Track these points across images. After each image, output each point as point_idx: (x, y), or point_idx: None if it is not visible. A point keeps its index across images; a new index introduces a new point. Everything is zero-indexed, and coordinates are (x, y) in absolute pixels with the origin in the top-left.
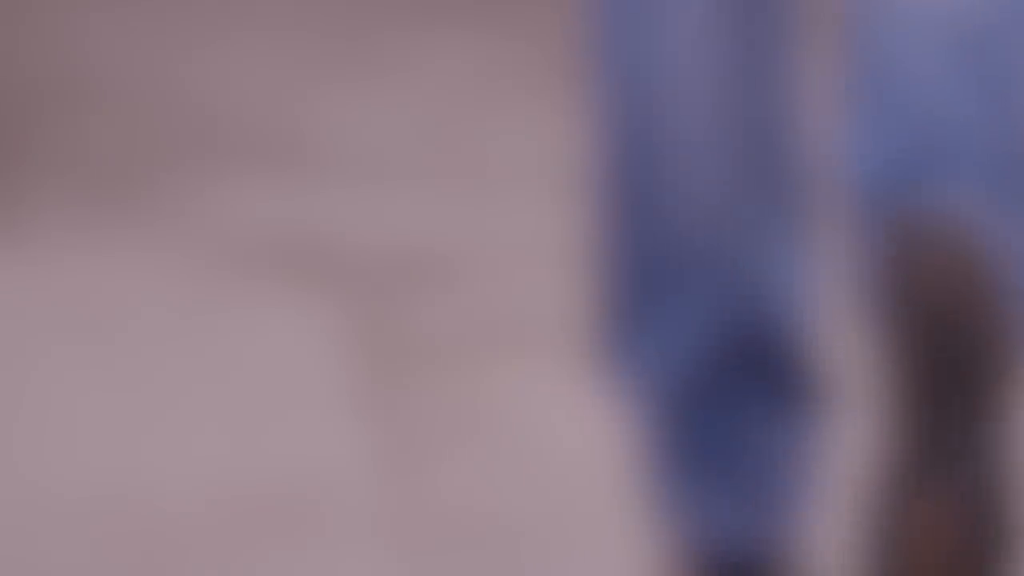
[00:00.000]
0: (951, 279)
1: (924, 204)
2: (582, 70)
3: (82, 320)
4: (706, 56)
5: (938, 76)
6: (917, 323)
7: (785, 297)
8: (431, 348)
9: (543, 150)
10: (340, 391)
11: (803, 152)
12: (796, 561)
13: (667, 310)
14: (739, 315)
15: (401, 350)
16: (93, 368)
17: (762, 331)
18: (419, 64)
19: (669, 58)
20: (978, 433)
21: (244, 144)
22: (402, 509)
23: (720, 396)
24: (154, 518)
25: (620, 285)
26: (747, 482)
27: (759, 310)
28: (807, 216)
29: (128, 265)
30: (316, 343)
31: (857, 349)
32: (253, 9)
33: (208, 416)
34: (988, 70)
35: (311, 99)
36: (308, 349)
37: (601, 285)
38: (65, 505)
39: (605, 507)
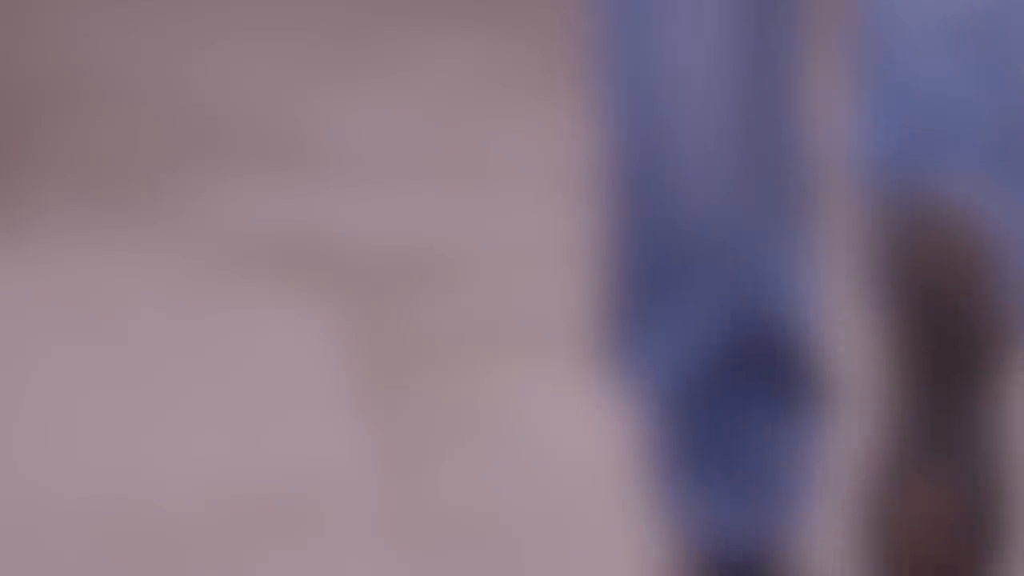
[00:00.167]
0: (951, 262)
1: (926, 187)
2: (585, 69)
3: (82, 320)
4: (712, 54)
5: (941, 61)
6: (916, 306)
7: (789, 297)
8: (431, 348)
9: (543, 150)
10: (340, 391)
11: (808, 150)
12: (797, 561)
13: (671, 309)
14: (743, 315)
15: (401, 350)
16: (93, 368)
17: (766, 331)
18: (419, 64)
19: (674, 56)
20: (976, 418)
21: (244, 144)
22: (402, 509)
23: (724, 396)
24: (154, 518)
25: (625, 284)
26: (749, 482)
27: (763, 310)
28: (812, 216)
29: (128, 265)
30: (316, 343)
31: (858, 346)
32: (253, 9)
33: (208, 416)
34: (990, 55)
35: (311, 99)
36: (308, 349)
37: (606, 284)
38: (65, 505)
39: (605, 507)
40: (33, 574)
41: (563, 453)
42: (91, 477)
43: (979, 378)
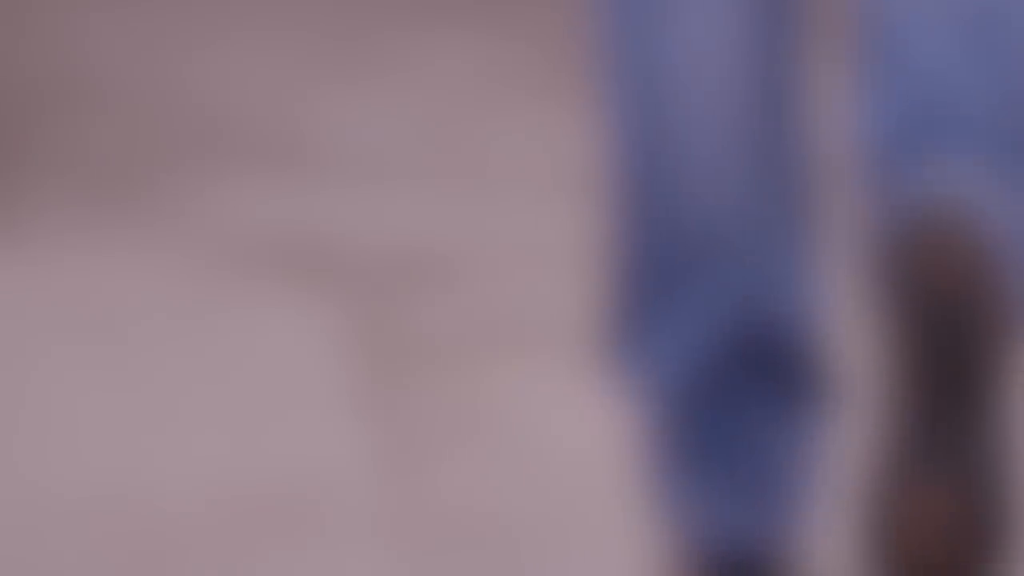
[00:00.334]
0: (953, 256)
1: (928, 180)
2: (588, 69)
3: (82, 320)
4: (717, 52)
5: (943, 49)
6: (918, 306)
7: (793, 297)
8: (431, 348)
9: (543, 150)
10: (340, 391)
11: (812, 150)
12: (798, 561)
13: (675, 309)
14: (747, 314)
15: (401, 350)
16: (93, 368)
17: (769, 331)
18: (419, 64)
19: (680, 54)
20: (977, 418)
21: (244, 144)
22: (402, 509)
23: (726, 395)
24: (154, 518)
25: (629, 283)
26: (751, 481)
27: (767, 310)
28: (815, 216)
29: (128, 265)
30: (316, 343)
31: (860, 346)
32: (253, 9)
33: (208, 416)
34: (992, 42)
35: (311, 99)
36: (308, 349)
37: (610, 283)
38: (65, 505)
39: (605, 507)
40: (33, 574)
41: (563, 453)
42: (91, 477)
43: (980, 378)
